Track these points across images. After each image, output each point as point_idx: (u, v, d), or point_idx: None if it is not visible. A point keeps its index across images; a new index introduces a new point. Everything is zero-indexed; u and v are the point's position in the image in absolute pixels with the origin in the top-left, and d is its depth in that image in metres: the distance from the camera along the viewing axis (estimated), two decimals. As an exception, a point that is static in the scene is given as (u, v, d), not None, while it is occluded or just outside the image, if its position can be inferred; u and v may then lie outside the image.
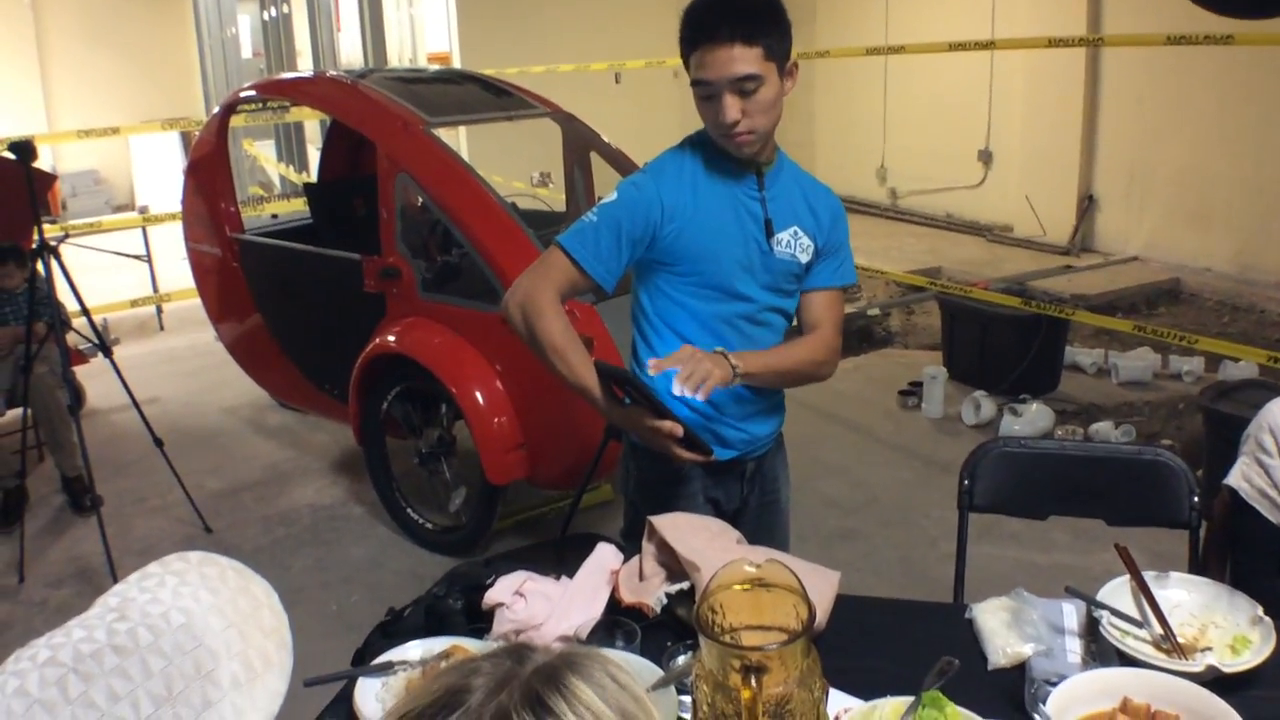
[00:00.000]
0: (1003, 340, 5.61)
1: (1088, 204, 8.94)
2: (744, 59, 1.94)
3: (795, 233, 2.14)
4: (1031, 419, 5.09)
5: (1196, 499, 2.24)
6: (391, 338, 3.99)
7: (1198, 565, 2.26)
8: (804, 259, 2.16)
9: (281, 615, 1.13)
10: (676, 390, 1.88)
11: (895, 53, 5.77)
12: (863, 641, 1.68)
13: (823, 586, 1.65)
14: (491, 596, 1.65)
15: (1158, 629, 1.67)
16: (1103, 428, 4.97)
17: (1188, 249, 8.15)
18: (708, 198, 2.09)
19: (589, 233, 2.07)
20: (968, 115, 9.80)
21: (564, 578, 1.74)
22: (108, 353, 4.46)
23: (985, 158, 9.83)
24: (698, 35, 1.97)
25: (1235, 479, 2.15)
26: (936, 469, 4.82)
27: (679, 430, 1.92)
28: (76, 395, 5.72)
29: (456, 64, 10.46)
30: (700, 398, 1.90)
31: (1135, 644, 1.63)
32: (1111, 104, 8.63)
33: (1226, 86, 7.57)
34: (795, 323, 2.28)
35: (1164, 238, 8.37)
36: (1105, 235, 8.89)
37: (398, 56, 10.92)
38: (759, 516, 2.33)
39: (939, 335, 6.36)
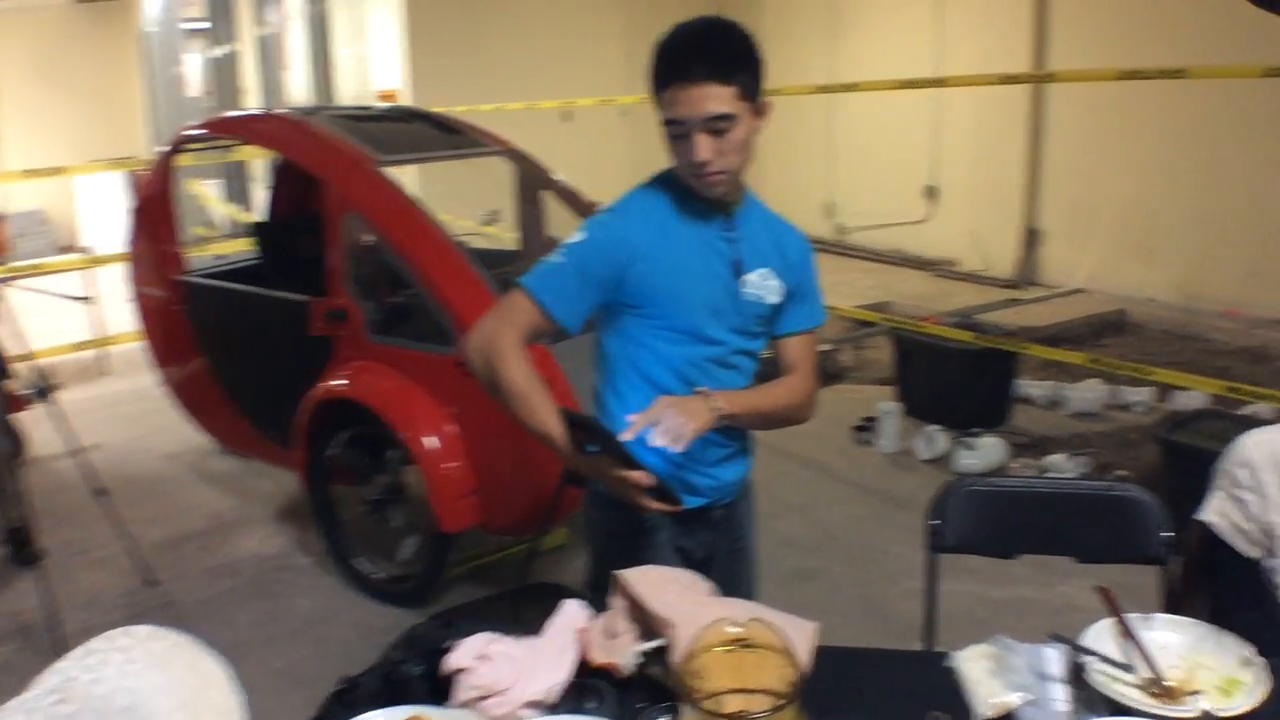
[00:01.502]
0: (954, 374, 5.61)
1: (1032, 237, 9.03)
2: (717, 98, 1.89)
3: (764, 274, 2.10)
4: (985, 453, 5.09)
5: (1167, 535, 2.21)
6: (339, 381, 3.89)
7: (1171, 600, 2.23)
8: (772, 300, 2.12)
9: (233, 693, 1.06)
10: (655, 443, 1.82)
11: (847, 90, 5.78)
12: (844, 696, 1.61)
13: (801, 640, 1.58)
14: (453, 661, 1.56)
15: (1145, 673, 1.62)
16: (1057, 460, 4.98)
17: (1132, 280, 8.25)
18: (676, 238, 2.03)
19: (554, 274, 2.01)
20: (913, 151, 9.90)
21: (529, 637, 1.66)
22: (49, 400, 4.30)
23: (931, 193, 9.92)
24: (670, 73, 1.92)
25: (1210, 514, 2.12)
26: (893, 505, 4.80)
27: (647, 480, 1.86)
28: (17, 443, 5.57)
29: (406, 102, 10.39)
30: (679, 449, 1.85)
31: (1124, 689, 1.59)
32: (1055, 138, 8.75)
33: (1170, 119, 7.70)
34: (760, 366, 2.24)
35: (1108, 269, 8.47)
36: (1050, 268, 8.98)
37: (346, 94, 10.84)
38: (728, 565, 2.27)
39: (890, 370, 6.35)
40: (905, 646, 3.38)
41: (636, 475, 1.87)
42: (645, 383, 2.08)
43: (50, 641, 3.66)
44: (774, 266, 2.11)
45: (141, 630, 1.03)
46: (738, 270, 2.06)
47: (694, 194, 2.03)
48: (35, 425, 5.44)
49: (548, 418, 1.97)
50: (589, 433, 1.96)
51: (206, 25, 12.08)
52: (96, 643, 1.00)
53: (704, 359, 2.08)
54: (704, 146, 1.91)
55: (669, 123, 1.94)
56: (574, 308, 2.01)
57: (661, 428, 1.85)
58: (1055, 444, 5.36)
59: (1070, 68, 7.81)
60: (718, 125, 1.91)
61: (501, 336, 2.00)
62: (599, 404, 2.19)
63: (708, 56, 1.90)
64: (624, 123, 11.07)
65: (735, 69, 1.91)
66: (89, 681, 0.94)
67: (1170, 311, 7.83)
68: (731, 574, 2.26)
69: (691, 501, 2.07)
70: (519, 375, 1.99)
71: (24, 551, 4.33)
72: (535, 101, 8.77)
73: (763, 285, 2.09)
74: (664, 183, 2.08)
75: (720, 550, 2.25)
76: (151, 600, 4.14)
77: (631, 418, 1.89)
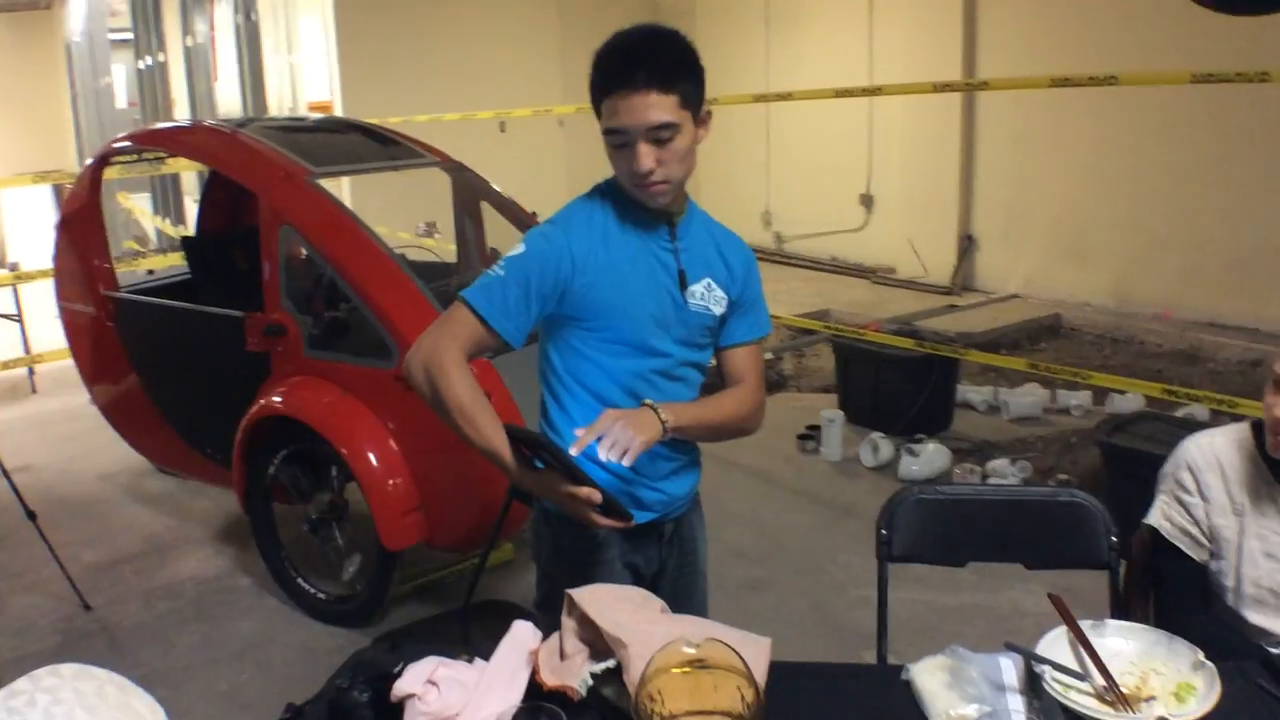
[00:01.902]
0: (896, 381, 5.65)
1: (967, 244, 9.14)
2: (659, 106, 1.86)
3: (708, 284, 2.07)
4: (929, 459, 5.12)
5: (1115, 539, 2.23)
6: (277, 398, 3.81)
7: (1119, 604, 2.24)
8: (717, 311, 2.09)
9: None
10: (602, 457, 1.79)
11: (783, 99, 5.81)
12: (801, 712, 1.60)
13: (757, 656, 1.55)
14: (401, 687, 1.52)
15: (1100, 681, 1.62)
16: (999, 465, 5.01)
17: (1066, 285, 8.37)
18: (620, 249, 2.00)
19: (496, 288, 1.95)
20: (849, 159, 9.98)
21: (478, 660, 1.61)
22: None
23: (867, 201, 10.01)
24: (611, 82, 1.89)
25: (1156, 518, 2.14)
26: (839, 512, 4.80)
27: (596, 496, 1.83)
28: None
29: (339, 113, 10.27)
30: (626, 463, 1.82)
31: (1079, 698, 1.58)
32: (988, 146, 8.87)
33: (1101, 125, 7.83)
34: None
35: (1043, 275, 8.59)
36: (986, 274, 9.10)
37: (278, 105, 10.69)
38: (677, 579, 2.24)
39: (832, 377, 6.38)
40: (856, 656, 3.42)
41: (585, 491, 1.83)
42: (590, 396, 2.04)
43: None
44: (718, 277, 2.09)
45: (69, 669, 0.97)
46: (682, 282, 2.03)
47: (637, 204, 2.00)
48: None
49: (493, 435, 1.93)
50: (535, 449, 1.92)
51: (132, 36, 11.83)
52: (22, 683, 0.95)
53: (650, 371, 2.05)
54: (646, 156, 1.88)
55: (610, 132, 1.91)
56: (516, 321, 1.96)
57: (608, 441, 1.82)
58: (997, 449, 5.41)
59: (1001, 75, 7.92)
60: (660, 135, 1.88)
61: (443, 352, 1.94)
62: (544, 418, 2.15)
63: (649, 64, 1.86)
64: (561, 133, 11.03)
65: (677, 77, 1.88)
66: (14, 725, 0.88)
67: (1104, 315, 7.96)
68: (683, 589, 2.24)
69: (641, 517, 2.03)
70: (463, 391, 1.93)
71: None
72: (471, 112, 8.71)
73: (707, 295, 2.07)
74: (605, 193, 2.05)
75: (670, 566, 2.22)
76: (87, 625, 4.03)
77: (579, 431, 1.86)
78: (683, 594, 2.22)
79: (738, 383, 2.18)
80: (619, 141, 1.91)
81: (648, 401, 1.97)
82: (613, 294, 1.98)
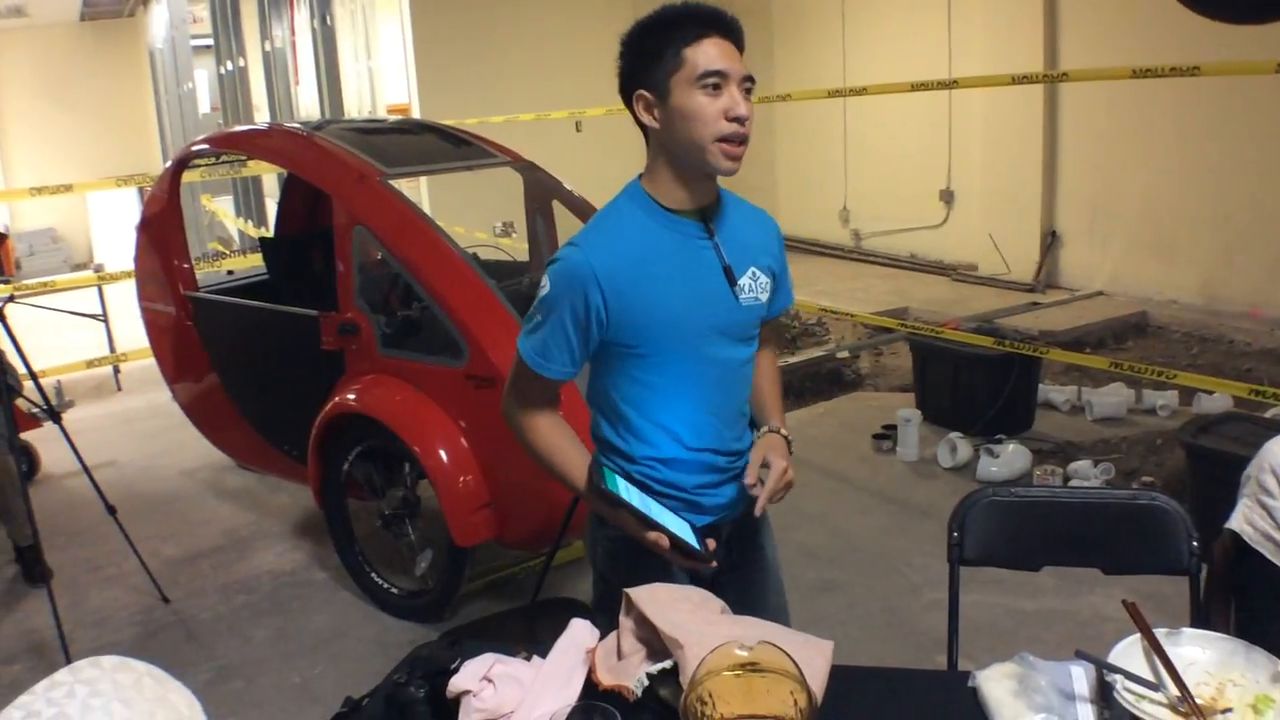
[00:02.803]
0: (975, 380, 5.55)
1: (1051, 240, 8.95)
2: (741, 61, 1.86)
3: (753, 274, 1.99)
4: (1009, 460, 5.01)
5: (1196, 544, 2.15)
6: (351, 396, 3.86)
7: (1200, 612, 2.16)
8: (764, 298, 2.02)
9: None
10: (763, 506, 1.93)
11: (857, 94, 5.73)
12: (862, 717, 1.56)
13: (816, 660, 1.52)
14: (457, 683, 1.52)
15: (1174, 691, 1.55)
16: (1081, 466, 4.89)
17: (1153, 282, 8.16)
18: (656, 256, 1.90)
19: (538, 336, 1.92)
20: (928, 155, 9.82)
21: (535, 658, 1.61)
22: (56, 419, 4.29)
23: (947, 197, 9.84)
24: (705, 27, 1.84)
25: (1237, 522, 2.06)
26: (915, 514, 4.73)
27: (664, 542, 1.83)
28: (31, 461, 5.58)
29: (416, 115, 10.38)
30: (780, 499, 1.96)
31: (1151, 708, 1.52)
32: (1071, 139, 8.67)
33: (1186, 118, 7.61)
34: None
35: (1129, 271, 8.38)
36: (1070, 271, 8.89)
37: (357, 108, 10.84)
38: (743, 581, 2.18)
39: (909, 376, 6.29)
40: (929, 660, 3.36)
41: (651, 537, 1.84)
42: (654, 426, 1.99)
43: (64, 660, 3.63)
44: (760, 262, 2.01)
45: (109, 661, 0.98)
46: (730, 278, 1.95)
47: (665, 206, 1.92)
48: (49, 443, 5.45)
49: (573, 473, 1.97)
50: (606, 499, 1.89)
51: (213, 42, 12.09)
52: (63, 674, 0.96)
53: (716, 380, 1.99)
54: (744, 101, 1.84)
55: (707, 74, 1.82)
56: (562, 362, 1.92)
57: (773, 489, 1.93)
58: (1079, 449, 5.29)
59: (1083, 66, 7.73)
60: (748, 86, 1.86)
61: (511, 409, 2.03)
62: (597, 440, 2.09)
63: (732, 22, 1.87)
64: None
65: (743, 34, 1.89)
66: (52, 715, 0.89)
67: (1191, 313, 7.73)
68: (752, 591, 2.17)
69: (699, 520, 1.98)
70: (534, 440, 2.01)
71: (33, 570, 4.34)
72: (546, 112, 8.74)
73: (755, 286, 1.99)
74: (633, 196, 1.96)
75: (734, 565, 2.15)
76: (165, 617, 4.12)
77: (751, 483, 1.97)
78: (753, 596, 2.16)
79: (762, 346, 2.17)
80: (715, 82, 1.82)
81: (766, 428, 2.05)
82: (653, 311, 1.89)
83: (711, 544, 1.88)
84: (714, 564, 1.87)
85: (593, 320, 1.88)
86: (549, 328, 1.90)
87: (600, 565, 2.13)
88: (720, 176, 1.92)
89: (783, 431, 2.02)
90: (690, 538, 1.86)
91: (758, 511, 1.90)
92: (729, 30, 1.86)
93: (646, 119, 1.91)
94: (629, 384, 1.98)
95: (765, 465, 2.00)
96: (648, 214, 1.93)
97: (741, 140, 1.86)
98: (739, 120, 1.84)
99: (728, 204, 2.02)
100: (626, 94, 1.94)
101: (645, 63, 1.88)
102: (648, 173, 1.97)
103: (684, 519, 1.92)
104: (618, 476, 1.91)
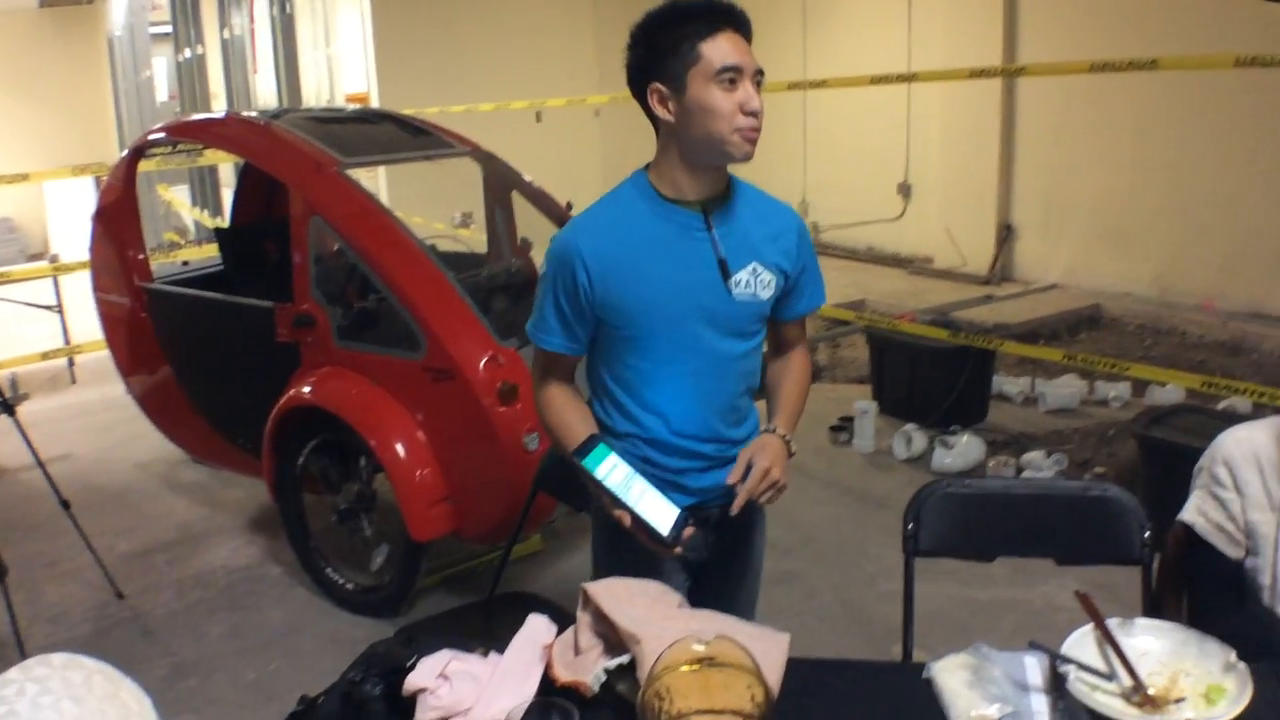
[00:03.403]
0: (931, 372, 5.59)
1: (1007, 233, 9.03)
2: (752, 55, 1.90)
3: (754, 270, 1.99)
4: (963, 450, 5.06)
5: (1148, 535, 2.17)
6: (306, 389, 3.82)
7: (1152, 602, 2.19)
8: (765, 296, 2.02)
9: None
10: (741, 504, 1.90)
11: (818, 87, 5.75)
12: (818, 710, 1.57)
13: (773, 652, 1.52)
14: (413, 681, 1.51)
15: (1127, 681, 1.58)
16: (1034, 457, 4.95)
17: (1107, 275, 8.25)
18: (646, 246, 1.93)
19: (537, 311, 2.03)
20: (886, 149, 9.88)
21: (493, 654, 1.60)
22: (10, 412, 4.22)
23: (905, 190, 9.91)
24: (719, 22, 1.87)
25: (1190, 514, 2.08)
26: (871, 505, 4.76)
27: (625, 520, 1.84)
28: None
29: (375, 104, 10.31)
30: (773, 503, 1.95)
31: (1105, 699, 1.54)
32: (1028, 133, 8.74)
33: (1142, 113, 7.70)
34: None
35: (1083, 264, 8.47)
36: (1025, 264, 8.98)
37: (315, 97, 10.75)
38: (728, 570, 2.19)
39: (866, 368, 6.33)
40: (885, 650, 3.38)
41: (616, 514, 1.85)
42: (644, 409, 2.03)
43: (19, 656, 3.58)
44: (766, 259, 2.01)
45: (59, 658, 0.98)
46: (724, 272, 1.96)
47: (665, 196, 1.94)
48: (2, 436, 5.37)
49: (571, 444, 1.96)
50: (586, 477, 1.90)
51: (172, 30, 11.93)
52: (13, 673, 0.95)
53: (703, 370, 2.00)
54: (757, 95, 1.88)
55: (724, 69, 1.85)
56: (564, 337, 2.01)
57: (760, 491, 1.90)
58: (1032, 441, 5.34)
59: (1041, 60, 7.80)
60: (759, 79, 1.90)
61: (534, 383, 2.11)
62: (597, 425, 2.10)
63: (745, 17, 1.91)
64: (597, 123, 11.02)
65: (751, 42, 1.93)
66: (2, 714, 0.88)
67: (1146, 306, 7.83)
68: (732, 582, 2.19)
69: (681, 501, 1.96)
70: (545, 412, 2.07)
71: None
72: (506, 102, 8.71)
73: (754, 283, 1.99)
74: (635, 185, 1.99)
75: (720, 553, 2.14)
76: (120, 613, 4.06)
77: (733, 481, 1.92)
78: (732, 586, 2.19)
79: (793, 346, 2.19)
80: (732, 76, 1.86)
81: (767, 429, 2.02)
82: (637, 293, 1.93)
83: (689, 532, 1.87)
84: (677, 550, 1.86)
85: (581, 297, 1.95)
86: (544, 301, 2.01)
87: (596, 550, 2.16)
88: (737, 164, 1.96)
89: (781, 433, 2.00)
90: (663, 522, 1.85)
91: (734, 511, 1.89)
92: (741, 24, 1.90)
93: (661, 112, 1.92)
94: (619, 366, 2.03)
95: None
96: (647, 202, 1.96)
97: (756, 129, 1.90)
98: (754, 114, 1.88)
99: (741, 197, 2.03)
100: (638, 86, 1.94)
101: (659, 56, 1.89)
102: (655, 163, 1.99)
103: (674, 501, 1.91)
104: (611, 451, 1.91)
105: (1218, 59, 4.40)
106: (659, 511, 1.86)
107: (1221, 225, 7.43)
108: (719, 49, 1.85)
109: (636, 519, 1.83)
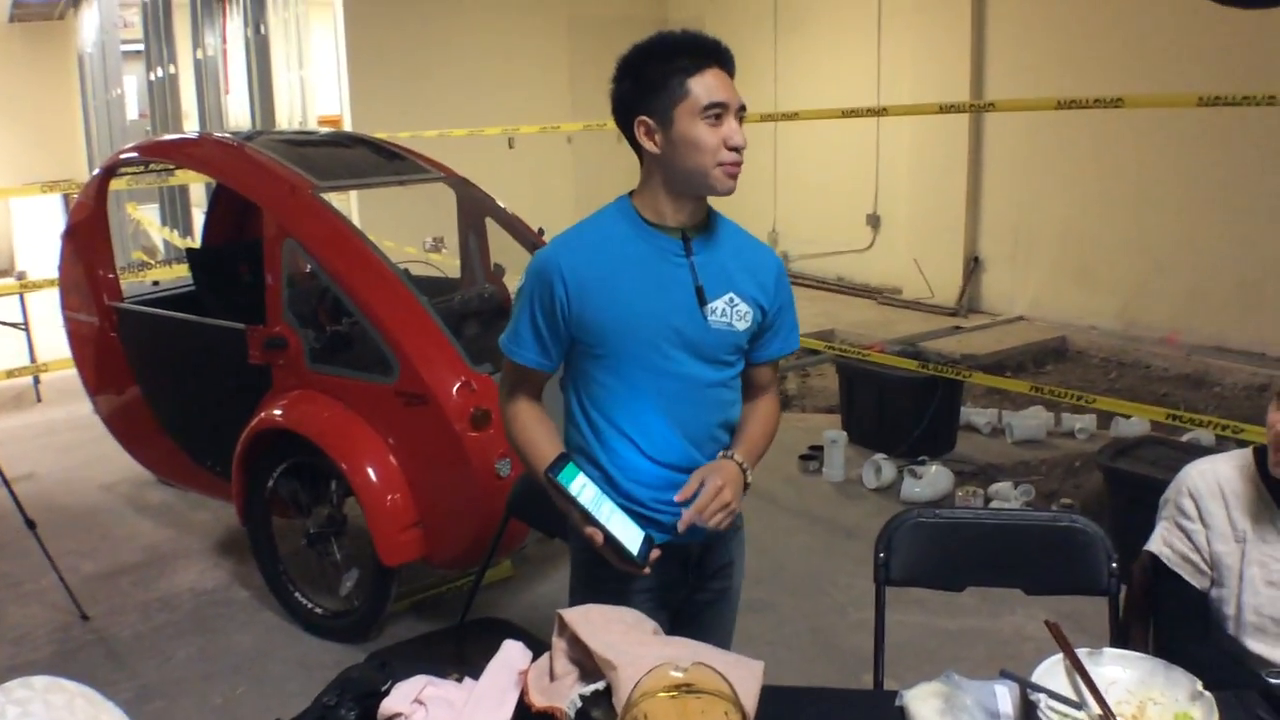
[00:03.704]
0: (900, 402, 5.63)
1: (974, 265, 9.13)
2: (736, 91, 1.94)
3: (730, 299, 2.00)
4: (931, 480, 5.09)
5: (1115, 565, 2.21)
6: (277, 411, 3.80)
7: (1119, 632, 2.22)
8: (741, 327, 2.02)
9: None
10: (689, 521, 1.87)
11: (789, 119, 5.80)
12: (791, 738, 1.58)
13: (748, 681, 1.53)
14: (388, 706, 1.51)
15: (1096, 710, 1.60)
16: (1002, 488, 4.99)
17: (1073, 307, 8.35)
18: (624, 265, 1.96)
19: (512, 324, 2.04)
20: (856, 180, 9.99)
21: (467, 680, 1.60)
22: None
23: (874, 221, 10.01)
24: (706, 59, 1.92)
25: (1156, 544, 2.12)
26: (841, 534, 4.78)
27: (598, 538, 1.84)
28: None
29: (348, 127, 10.30)
30: (724, 528, 1.91)
31: (1073, 728, 1.56)
32: (995, 167, 8.86)
33: (1107, 148, 7.83)
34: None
35: (1049, 297, 8.57)
36: (991, 296, 9.08)
37: (288, 119, 10.72)
38: (708, 606, 2.20)
39: (835, 398, 6.37)
40: (855, 679, 3.39)
41: (588, 532, 1.85)
42: (612, 428, 2.03)
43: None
44: (743, 291, 2.03)
45: (40, 681, 0.97)
46: (700, 298, 1.97)
47: (648, 220, 1.97)
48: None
49: (539, 462, 1.98)
50: (557, 493, 1.90)
51: (144, 48, 11.87)
52: (-7, 696, 0.94)
53: (671, 392, 2.00)
54: (740, 131, 1.92)
55: (711, 106, 1.90)
56: (538, 351, 2.02)
57: (709, 513, 1.87)
58: (1000, 471, 5.39)
59: (1009, 97, 7.92)
60: (740, 116, 1.94)
61: (501, 398, 2.12)
62: (568, 443, 2.13)
63: (727, 53, 1.96)
64: (569, 150, 11.05)
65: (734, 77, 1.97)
66: (-17, 738, 0.88)
67: (1110, 338, 7.94)
68: (712, 617, 2.21)
69: (659, 538, 1.96)
70: (512, 428, 2.08)
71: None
72: (479, 128, 8.73)
73: (729, 311, 2.01)
74: (619, 208, 2.03)
75: (699, 590, 2.17)
76: (84, 635, 4.01)
77: (682, 498, 1.90)
78: (712, 622, 2.20)
79: (763, 391, 2.19)
80: (717, 113, 1.90)
81: (723, 452, 2.02)
82: (613, 312, 1.95)
83: (656, 554, 1.88)
84: (645, 570, 1.86)
85: (558, 312, 1.97)
86: (520, 314, 2.02)
87: (572, 576, 2.16)
88: (719, 197, 2.00)
89: (739, 459, 2.00)
90: (632, 544, 1.86)
91: (681, 528, 1.88)
92: (726, 60, 1.95)
93: (647, 144, 1.95)
94: (593, 385, 2.04)
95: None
96: (629, 224, 2.00)
97: (738, 164, 1.95)
98: (737, 149, 1.92)
99: (721, 230, 2.07)
100: (623, 118, 1.97)
101: (646, 90, 1.92)
102: (639, 189, 2.02)
103: (644, 530, 1.91)
104: (580, 471, 1.92)
105: (1181, 98, 4.50)
106: (627, 533, 1.88)
107: (1185, 259, 7.55)
108: (706, 85, 1.90)
109: (608, 537, 1.84)
